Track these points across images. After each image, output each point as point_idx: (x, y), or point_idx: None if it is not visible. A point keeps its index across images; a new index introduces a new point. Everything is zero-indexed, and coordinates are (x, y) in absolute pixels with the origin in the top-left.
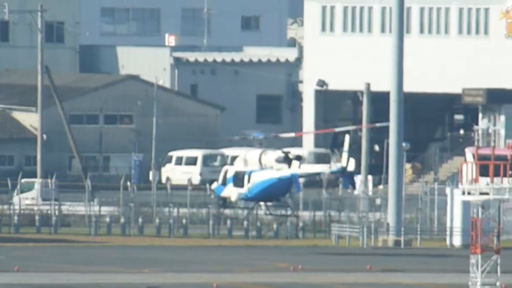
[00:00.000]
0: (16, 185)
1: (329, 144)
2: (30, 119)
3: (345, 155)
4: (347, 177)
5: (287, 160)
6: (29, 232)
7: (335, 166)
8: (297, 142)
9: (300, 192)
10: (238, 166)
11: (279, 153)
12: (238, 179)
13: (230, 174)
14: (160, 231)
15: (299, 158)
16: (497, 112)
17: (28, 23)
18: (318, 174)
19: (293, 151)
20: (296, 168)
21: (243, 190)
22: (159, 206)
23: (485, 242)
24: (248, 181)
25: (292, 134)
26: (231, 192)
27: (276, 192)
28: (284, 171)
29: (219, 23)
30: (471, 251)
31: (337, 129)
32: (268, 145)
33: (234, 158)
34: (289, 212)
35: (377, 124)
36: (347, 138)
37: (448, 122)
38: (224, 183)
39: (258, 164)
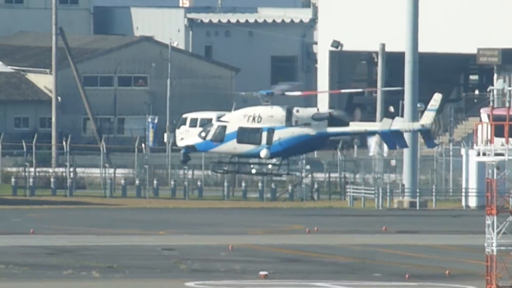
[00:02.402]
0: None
1: (343, 105)
2: (44, 81)
3: (430, 113)
4: (428, 136)
5: (327, 118)
6: (44, 194)
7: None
8: (311, 102)
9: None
10: (238, 122)
11: (312, 111)
12: (247, 135)
13: (230, 130)
14: (175, 193)
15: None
16: None
17: None
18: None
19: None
20: (397, 124)
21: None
22: (174, 168)
23: (501, 203)
24: (268, 137)
25: (298, 93)
26: (236, 147)
27: (307, 149)
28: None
29: None
30: (487, 212)
31: (344, 90)
32: (275, 103)
33: None
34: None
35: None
36: (436, 96)
37: (463, 82)
38: (221, 139)
39: (284, 120)
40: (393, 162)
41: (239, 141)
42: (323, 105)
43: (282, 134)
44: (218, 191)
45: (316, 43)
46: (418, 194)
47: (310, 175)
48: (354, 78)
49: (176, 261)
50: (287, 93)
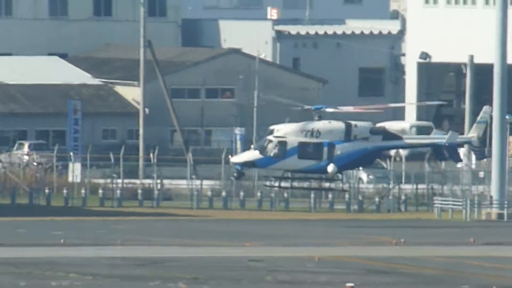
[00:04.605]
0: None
1: (431, 117)
2: (132, 93)
3: (479, 125)
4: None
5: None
6: (131, 205)
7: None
8: (398, 115)
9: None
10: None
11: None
12: (308, 150)
13: (290, 146)
14: (262, 205)
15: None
16: None
17: None
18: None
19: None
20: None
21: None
22: (261, 179)
23: None
24: (329, 152)
25: (351, 108)
26: (296, 162)
27: (363, 162)
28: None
29: None
30: None
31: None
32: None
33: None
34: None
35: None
36: (485, 108)
37: None
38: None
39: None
40: (481, 174)
41: (300, 157)
42: (411, 117)
43: (343, 149)
44: (304, 203)
45: (404, 55)
46: (506, 205)
47: (397, 187)
48: (443, 90)
49: (263, 272)
50: (340, 108)
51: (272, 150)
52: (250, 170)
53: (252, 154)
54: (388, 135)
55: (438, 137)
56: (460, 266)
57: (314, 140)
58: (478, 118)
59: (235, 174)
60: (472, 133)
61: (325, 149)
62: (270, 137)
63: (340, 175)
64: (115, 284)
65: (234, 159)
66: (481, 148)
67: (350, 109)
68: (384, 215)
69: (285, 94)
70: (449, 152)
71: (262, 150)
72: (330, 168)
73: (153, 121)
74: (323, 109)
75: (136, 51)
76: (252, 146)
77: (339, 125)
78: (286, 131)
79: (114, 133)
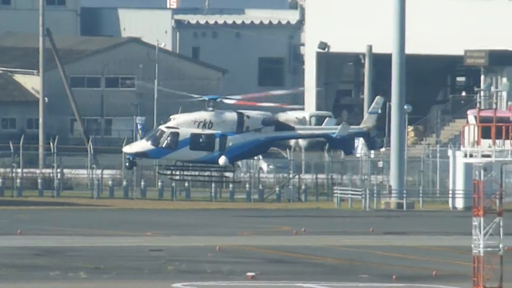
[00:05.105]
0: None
1: (331, 106)
2: (31, 82)
3: (371, 116)
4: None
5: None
6: (31, 195)
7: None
8: (298, 103)
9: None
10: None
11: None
12: (201, 142)
13: (183, 137)
14: (163, 194)
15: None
16: (499, 74)
17: None
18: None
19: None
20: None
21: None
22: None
23: (488, 204)
24: (221, 143)
25: (238, 97)
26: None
27: (255, 153)
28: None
29: None
30: (474, 213)
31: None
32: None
33: None
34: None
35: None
36: (377, 99)
37: (450, 84)
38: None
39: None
40: (380, 164)
41: (192, 148)
42: (310, 107)
43: (234, 140)
44: (205, 192)
45: (303, 45)
46: (405, 195)
47: (297, 177)
48: (341, 80)
49: (164, 262)
50: (226, 101)
51: (164, 141)
52: (152, 160)
53: (144, 145)
54: (280, 126)
55: (330, 128)
56: (360, 255)
57: (206, 131)
58: (370, 109)
59: (127, 164)
60: (363, 124)
61: (217, 140)
62: (162, 128)
63: (232, 166)
64: (15, 274)
65: (126, 149)
66: (373, 139)
67: (237, 97)
68: (285, 204)
69: (185, 83)
70: (340, 144)
71: (154, 140)
72: (222, 160)
73: (53, 110)
74: (219, 100)
75: (35, 39)
76: (143, 136)
77: (232, 116)
78: (178, 121)
79: (13, 122)
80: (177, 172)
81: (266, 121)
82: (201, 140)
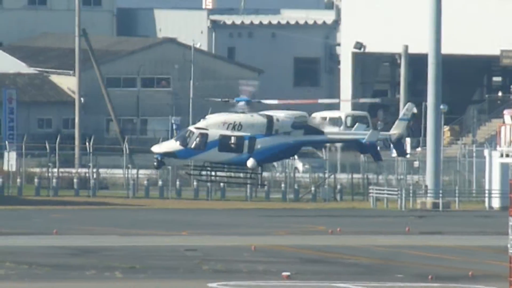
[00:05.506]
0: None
1: (366, 107)
2: (67, 82)
3: (402, 123)
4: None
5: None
6: (67, 195)
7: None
8: (334, 104)
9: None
10: (218, 129)
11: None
12: (230, 143)
13: (212, 138)
14: (198, 194)
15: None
16: None
17: None
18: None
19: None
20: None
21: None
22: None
23: None
24: (250, 146)
25: (275, 101)
26: (216, 155)
27: (283, 156)
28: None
29: None
30: (510, 213)
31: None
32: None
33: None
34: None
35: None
36: (408, 105)
37: (486, 84)
38: (202, 147)
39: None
40: (416, 164)
41: (220, 150)
42: (346, 107)
43: (263, 143)
44: (241, 192)
45: (339, 45)
46: (441, 195)
47: (333, 176)
48: (377, 80)
49: (199, 261)
50: (264, 101)
51: (193, 141)
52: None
53: (173, 145)
54: (310, 129)
55: (360, 133)
56: (396, 255)
57: (235, 133)
58: (401, 115)
59: (155, 163)
60: (393, 130)
61: (246, 142)
62: (191, 128)
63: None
64: (51, 273)
65: (155, 148)
66: (402, 144)
67: (274, 102)
68: (320, 204)
69: (220, 83)
70: (370, 150)
71: (183, 141)
72: (250, 162)
73: (88, 110)
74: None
75: (71, 40)
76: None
77: (261, 119)
78: (208, 122)
79: (49, 122)
80: (204, 173)
81: (296, 125)
82: (230, 142)
